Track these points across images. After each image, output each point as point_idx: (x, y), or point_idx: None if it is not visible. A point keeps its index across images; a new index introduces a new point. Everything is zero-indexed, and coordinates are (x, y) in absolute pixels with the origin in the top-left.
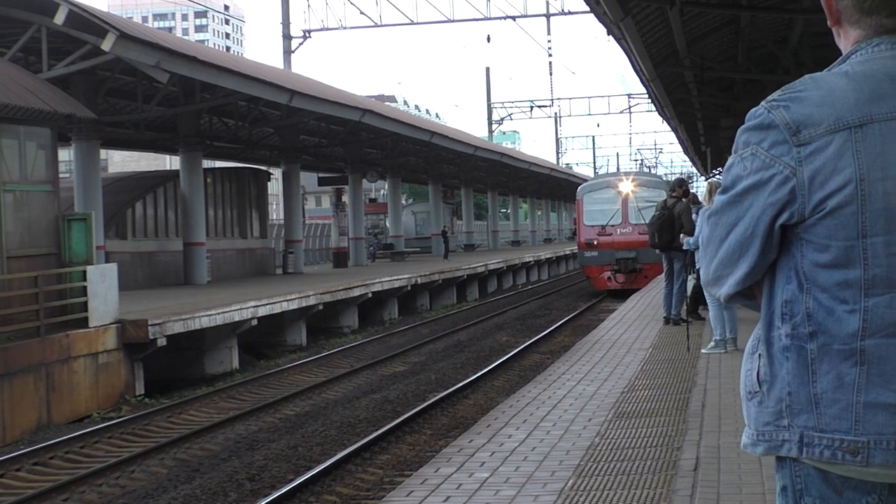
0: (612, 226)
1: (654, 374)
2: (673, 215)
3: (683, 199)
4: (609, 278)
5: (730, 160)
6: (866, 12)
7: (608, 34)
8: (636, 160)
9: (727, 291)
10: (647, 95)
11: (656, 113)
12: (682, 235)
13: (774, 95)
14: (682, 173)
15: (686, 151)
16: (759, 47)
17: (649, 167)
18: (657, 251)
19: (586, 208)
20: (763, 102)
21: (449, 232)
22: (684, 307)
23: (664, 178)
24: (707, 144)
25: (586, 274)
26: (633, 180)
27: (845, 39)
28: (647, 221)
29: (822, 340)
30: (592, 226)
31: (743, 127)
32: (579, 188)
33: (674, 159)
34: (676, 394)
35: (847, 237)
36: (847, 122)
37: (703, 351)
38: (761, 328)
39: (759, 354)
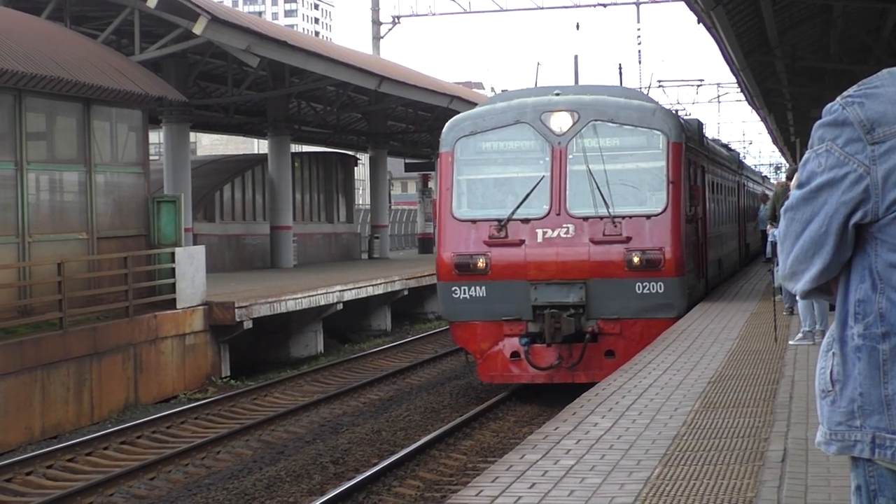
0: (527, 220)
1: (741, 364)
2: None
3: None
4: (515, 356)
5: (806, 155)
6: None
7: (698, 22)
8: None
9: (802, 287)
10: (736, 85)
11: (745, 102)
12: (768, 225)
13: (850, 91)
14: (770, 164)
15: (775, 142)
16: (851, 37)
17: (682, 111)
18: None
19: (460, 176)
20: (838, 98)
21: None
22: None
23: (669, 108)
24: (797, 135)
25: (456, 340)
26: (572, 108)
27: None
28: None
29: (895, 341)
30: (474, 220)
31: (818, 122)
32: (448, 124)
33: (762, 150)
34: (764, 385)
35: None
36: None
37: (790, 342)
38: (836, 327)
39: (833, 353)
